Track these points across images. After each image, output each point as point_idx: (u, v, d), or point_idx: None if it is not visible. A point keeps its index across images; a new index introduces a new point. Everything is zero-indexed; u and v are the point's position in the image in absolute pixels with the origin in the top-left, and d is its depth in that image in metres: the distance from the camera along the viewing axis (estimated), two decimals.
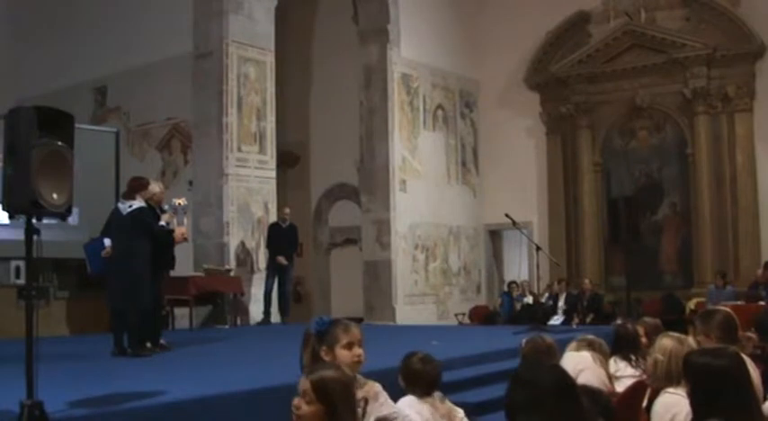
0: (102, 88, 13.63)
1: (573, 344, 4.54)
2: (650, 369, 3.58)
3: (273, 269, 11.42)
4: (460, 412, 3.78)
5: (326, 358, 3.10)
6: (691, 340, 3.67)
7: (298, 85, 15.95)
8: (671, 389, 3.22)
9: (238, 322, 11.21)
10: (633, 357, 4.64)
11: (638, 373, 4.52)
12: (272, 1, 12.32)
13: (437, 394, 3.71)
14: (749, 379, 2.66)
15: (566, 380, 2.23)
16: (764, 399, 3.21)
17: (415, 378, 3.62)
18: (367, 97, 14.04)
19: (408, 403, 3.53)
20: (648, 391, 3.85)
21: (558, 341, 4.37)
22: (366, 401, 3.06)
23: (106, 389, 4.72)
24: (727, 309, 4.16)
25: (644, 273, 14.09)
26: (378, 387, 3.19)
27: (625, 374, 4.52)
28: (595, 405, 2.49)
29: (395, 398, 3.35)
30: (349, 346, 3.13)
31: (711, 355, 2.67)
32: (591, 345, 4.46)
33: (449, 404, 3.75)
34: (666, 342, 3.53)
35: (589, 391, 2.54)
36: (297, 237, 11.94)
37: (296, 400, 2.50)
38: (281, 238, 11.50)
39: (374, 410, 3.09)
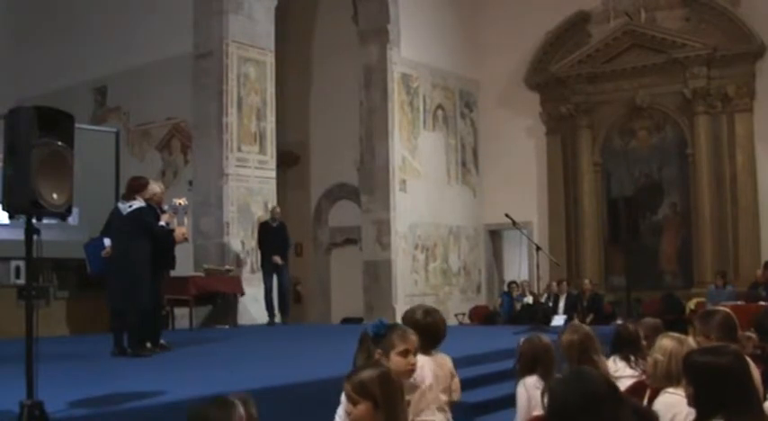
0: (102, 88, 13.63)
1: (565, 334, 4.51)
2: (650, 369, 3.58)
3: (270, 269, 11.38)
4: (457, 379, 3.74)
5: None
6: (691, 340, 3.67)
7: (298, 85, 15.95)
8: (671, 390, 3.23)
9: (238, 322, 11.19)
10: (632, 358, 4.62)
11: (636, 373, 4.51)
12: (272, 1, 12.32)
13: (440, 354, 3.64)
14: (751, 376, 2.66)
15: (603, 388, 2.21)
16: (765, 399, 3.21)
17: (426, 332, 3.49)
18: (367, 97, 14.04)
19: (420, 364, 3.44)
20: (648, 392, 3.85)
21: (555, 341, 4.36)
22: (408, 403, 3.08)
23: (106, 389, 4.72)
24: (727, 310, 4.16)
25: (644, 273, 14.09)
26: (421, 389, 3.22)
27: (624, 375, 4.51)
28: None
29: None
30: (404, 354, 3.13)
31: (713, 354, 2.66)
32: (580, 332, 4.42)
33: (450, 365, 3.69)
34: (666, 342, 3.53)
35: (637, 409, 2.51)
36: (288, 235, 11.85)
37: (347, 407, 2.55)
38: (273, 238, 11.44)
39: (416, 414, 3.14)
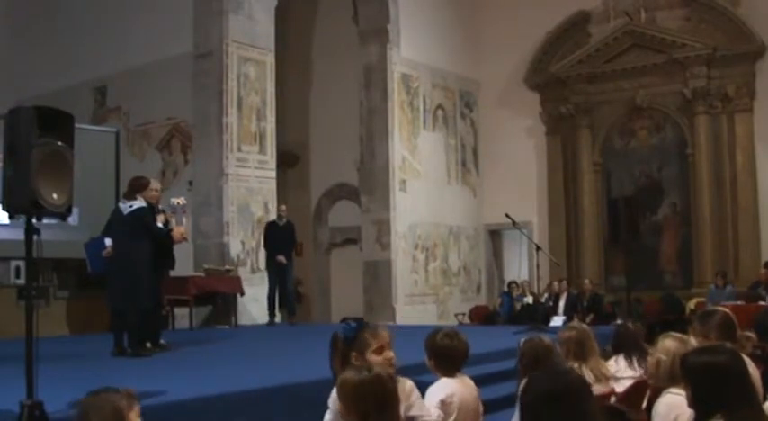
0: (102, 88, 13.62)
1: (563, 333, 4.52)
2: (653, 369, 3.57)
3: (274, 269, 11.39)
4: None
5: (357, 363, 3.09)
6: (693, 340, 3.66)
7: (298, 85, 15.95)
8: (674, 390, 3.22)
9: (238, 322, 11.19)
10: (635, 359, 4.62)
11: (637, 374, 4.51)
12: (272, 1, 12.32)
13: (466, 377, 3.63)
14: (749, 374, 2.66)
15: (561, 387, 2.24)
16: (764, 399, 3.21)
17: (443, 355, 3.53)
18: (367, 97, 14.04)
19: (441, 386, 3.48)
20: (648, 391, 3.85)
21: (556, 341, 4.36)
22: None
23: None
24: (725, 310, 4.16)
25: (644, 273, 14.08)
26: (410, 384, 3.20)
27: (625, 375, 4.51)
28: None
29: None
30: (379, 350, 3.14)
31: (710, 354, 2.67)
32: (577, 332, 4.44)
33: (475, 389, 3.68)
34: (669, 342, 3.53)
35: (608, 408, 2.54)
36: (295, 234, 11.88)
37: (340, 408, 2.61)
38: (279, 237, 11.46)
39: (405, 409, 3.10)
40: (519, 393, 2.34)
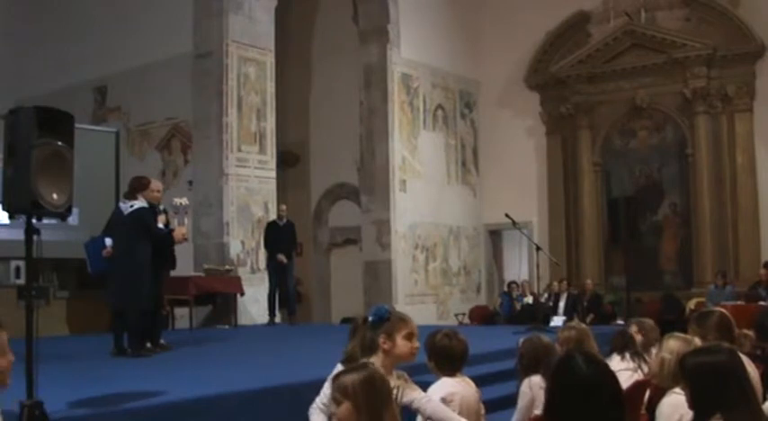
0: (102, 88, 13.63)
1: (563, 333, 4.54)
2: (657, 368, 3.58)
3: (274, 269, 11.39)
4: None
5: (385, 346, 3.18)
6: (697, 340, 3.67)
7: (298, 85, 15.95)
8: (678, 390, 3.22)
9: (238, 322, 11.19)
10: (627, 354, 4.65)
11: (630, 367, 4.53)
12: (272, 1, 12.33)
13: (465, 377, 3.65)
14: (747, 373, 2.67)
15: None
16: (764, 399, 3.21)
17: (442, 355, 3.55)
18: (367, 97, 14.04)
19: (441, 385, 3.51)
20: (649, 391, 3.85)
21: (555, 341, 4.37)
22: (398, 388, 3.16)
23: (106, 389, 4.72)
24: (722, 310, 4.17)
25: (644, 273, 14.07)
26: (402, 373, 3.26)
27: (617, 368, 4.52)
28: None
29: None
30: (409, 337, 3.22)
31: (708, 353, 2.68)
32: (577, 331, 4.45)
33: (476, 389, 3.70)
34: (673, 342, 3.54)
35: None
36: (295, 234, 11.89)
37: (332, 408, 2.63)
38: (280, 237, 11.47)
39: (403, 396, 3.17)
40: (551, 374, 2.34)
